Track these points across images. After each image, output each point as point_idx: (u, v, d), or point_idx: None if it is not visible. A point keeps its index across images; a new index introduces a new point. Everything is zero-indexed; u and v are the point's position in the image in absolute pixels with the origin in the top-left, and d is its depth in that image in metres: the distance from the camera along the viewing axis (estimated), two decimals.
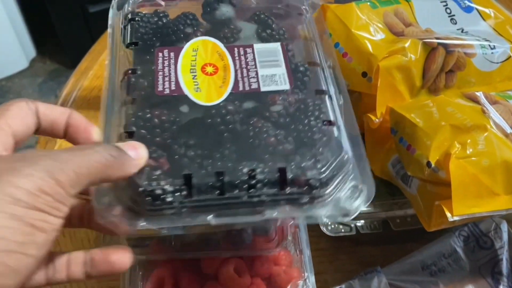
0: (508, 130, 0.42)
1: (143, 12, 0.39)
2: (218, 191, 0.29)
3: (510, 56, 0.52)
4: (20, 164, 0.25)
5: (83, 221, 0.32)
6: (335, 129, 0.33)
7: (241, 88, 0.34)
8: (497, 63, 0.52)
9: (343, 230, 0.45)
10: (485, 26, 0.55)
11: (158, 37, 0.38)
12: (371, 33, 0.47)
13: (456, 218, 0.37)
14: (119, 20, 0.39)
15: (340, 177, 0.31)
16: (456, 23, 0.54)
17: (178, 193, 0.29)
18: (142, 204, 0.29)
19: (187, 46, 0.37)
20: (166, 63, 0.36)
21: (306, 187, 0.30)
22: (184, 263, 0.40)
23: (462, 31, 0.54)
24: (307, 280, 0.40)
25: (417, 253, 0.50)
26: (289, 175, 0.30)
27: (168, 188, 0.29)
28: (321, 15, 0.50)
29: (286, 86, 0.35)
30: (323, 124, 0.33)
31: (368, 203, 0.30)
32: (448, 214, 0.38)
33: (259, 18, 0.39)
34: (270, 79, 0.35)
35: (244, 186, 0.29)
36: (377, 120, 0.46)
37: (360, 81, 0.46)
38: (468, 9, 0.56)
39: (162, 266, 0.40)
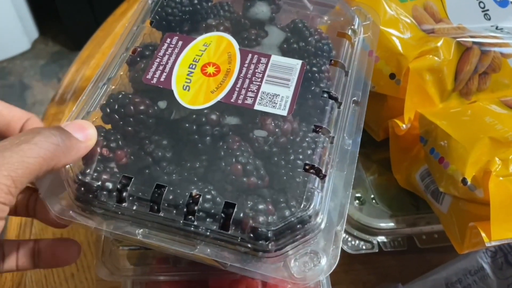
0: None
1: None
2: (152, 207, 0.26)
3: None
4: None
5: (29, 210, 0.31)
6: (318, 181, 0.28)
7: (233, 100, 0.30)
8: None
9: (364, 248, 0.41)
10: None
11: (180, 21, 0.34)
12: (400, 30, 0.43)
13: (494, 243, 0.34)
14: None
15: (297, 237, 0.26)
16: (490, 19, 0.50)
17: (114, 192, 0.27)
18: (76, 195, 0.27)
19: (200, 39, 0.33)
20: (170, 50, 0.32)
21: (252, 234, 0.25)
22: (190, 285, 0.37)
23: (496, 28, 0.49)
24: None
25: (441, 269, 0.46)
26: (237, 215, 0.26)
27: (106, 184, 0.27)
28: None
29: (283, 111, 0.30)
30: (305, 168, 0.28)
31: (322, 276, 0.26)
32: (485, 237, 0.34)
33: (295, 26, 0.34)
34: (270, 99, 0.30)
35: (184, 210, 0.26)
36: (404, 126, 0.42)
37: (387, 83, 0.42)
38: (504, 3, 0.52)
39: (165, 286, 0.37)
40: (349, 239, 0.41)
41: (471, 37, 0.44)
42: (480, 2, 0.51)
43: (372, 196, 0.43)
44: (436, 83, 0.43)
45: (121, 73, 0.33)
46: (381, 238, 0.41)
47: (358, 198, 0.43)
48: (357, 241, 0.41)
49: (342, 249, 0.52)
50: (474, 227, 0.35)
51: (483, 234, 0.34)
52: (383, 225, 0.41)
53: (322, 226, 0.27)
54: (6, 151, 0.24)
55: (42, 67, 1.76)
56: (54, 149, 0.25)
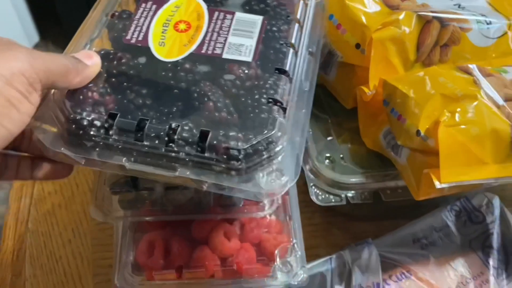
0: (500, 102, 0.42)
1: None
2: (137, 137, 0.30)
3: (506, 32, 0.52)
4: (5, 47, 0.28)
5: (20, 172, 0.35)
6: (280, 110, 0.32)
7: (203, 51, 0.35)
8: (493, 38, 0.51)
9: (333, 200, 0.45)
10: (482, 2, 0.55)
11: None
12: (365, 5, 0.47)
13: (444, 185, 0.38)
14: None
15: (265, 156, 0.30)
16: None
17: (103, 129, 0.31)
18: (67, 130, 0.31)
19: (171, 2, 0.38)
20: (145, 13, 0.37)
21: (225, 156, 0.30)
22: (175, 228, 0.41)
23: (459, 7, 0.53)
24: (295, 245, 0.40)
25: (409, 226, 0.50)
26: (211, 140, 0.30)
27: (95, 121, 0.31)
28: None
29: (248, 58, 0.35)
30: (268, 102, 0.32)
31: (285, 189, 0.30)
32: (436, 182, 0.38)
33: None
34: (236, 48, 0.35)
35: (165, 139, 0.30)
36: (369, 92, 0.46)
37: (354, 53, 0.46)
38: None
39: (154, 230, 0.41)
40: (320, 193, 0.45)
41: (432, 12, 0.48)
42: None
43: (342, 155, 0.47)
44: (398, 53, 0.47)
45: (102, 35, 0.37)
46: (349, 193, 0.45)
47: (328, 157, 0.47)
48: (327, 195, 0.45)
49: (321, 215, 0.56)
50: (427, 173, 0.39)
51: (434, 180, 0.38)
52: (352, 180, 0.45)
53: (285, 148, 0.31)
54: (42, 53, 0.29)
55: None
56: (72, 66, 0.31)
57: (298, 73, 0.36)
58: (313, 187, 0.46)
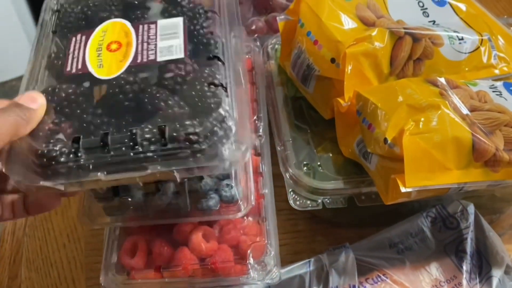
0: (465, 112, 0.44)
1: (69, 4, 0.44)
2: (103, 150, 0.33)
3: (479, 47, 0.55)
4: None
5: (16, 212, 0.38)
6: (221, 90, 0.36)
7: (139, 60, 0.38)
8: (466, 53, 0.54)
9: (310, 205, 0.47)
10: (456, 20, 0.58)
11: (78, 24, 0.42)
12: (341, 23, 0.50)
13: (408, 189, 0.40)
14: (49, 12, 0.44)
15: (221, 133, 0.34)
16: (428, 16, 0.57)
17: (71, 154, 0.33)
18: (40, 165, 0.33)
19: (98, 29, 0.41)
20: (78, 45, 0.40)
21: (187, 142, 0.33)
22: (158, 230, 0.43)
23: (433, 23, 0.56)
24: (268, 246, 0.42)
25: (385, 231, 0.52)
26: (170, 133, 0.33)
27: (62, 149, 0.33)
28: (297, 6, 0.53)
29: (181, 55, 0.38)
30: (210, 87, 0.36)
31: (248, 155, 0.34)
32: (401, 187, 0.40)
33: None
34: (167, 49, 0.39)
35: (129, 145, 0.33)
36: (345, 104, 0.49)
37: (329, 67, 0.49)
38: (441, 3, 0.59)
39: (137, 233, 0.43)
40: (298, 198, 0.48)
41: (405, 28, 0.51)
42: (419, 2, 0.58)
43: (319, 163, 0.50)
44: (372, 67, 0.50)
45: (45, 75, 0.39)
46: (325, 198, 0.48)
47: (306, 165, 0.50)
48: (304, 200, 0.47)
49: (306, 223, 0.59)
50: (394, 178, 0.41)
51: (400, 184, 0.40)
52: (329, 186, 0.48)
53: (236, 121, 0.35)
54: None
55: None
56: (21, 119, 0.32)
57: (228, 55, 0.39)
58: (292, 193, 0.48)
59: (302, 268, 0.49)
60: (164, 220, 0.42)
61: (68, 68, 0.38)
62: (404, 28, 0.51)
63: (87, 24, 0.42)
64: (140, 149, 0.33)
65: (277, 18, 0.56)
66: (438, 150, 0.41)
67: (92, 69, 0.38)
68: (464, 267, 0.49)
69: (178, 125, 0.33)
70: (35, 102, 0.34)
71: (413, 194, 0.42)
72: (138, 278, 0.40)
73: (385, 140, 0.42)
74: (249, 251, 0.41)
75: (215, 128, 0.34)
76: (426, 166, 0.41)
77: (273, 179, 0.49)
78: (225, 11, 0.44)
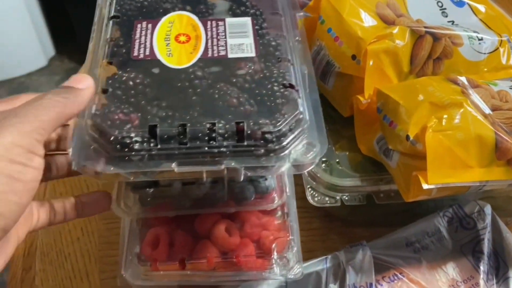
0: (487, 111, 0.44)
1: None
2: (180, 141, 0.33)
3: (498, 48, 0.55)
4: None
5: (67, 214, 0.38)
6: (294, 92, 0.36)
7: (209, 55, 0.38)
8: (485, 53, 0.54)
9: (328, 202, 0.47)
10: (475, 21, 0.58)
11: (139, 12, 0.42)
12: (362, 20, 0.50)
13: (431, 186, 0.40)
14: None
15: (295, 134, 0.34)
16: (447, 16, 0.57)
17: (145, 142, 0.33)
18: (112, 151, 0.33)
19: (164, 19, 0.41)
20: (144, 32, 0.40)
21: (262, 140, 0.33)
22: (178, 224, 0.43)
23: (452, 23, 0.56)
24: (292, 241, 0.42)
25: (402, 230, 0.52)
26: (247, 130, 0.33)
27: (136, 137, 0.33)
28: (317, 3, 0.53)
29: (252, 53, 0.38)
30: (283, 87, 0.36)
31: (318, 158, 0.34)
32: (424, 184, 0.40)
33: None
34: (238, 47, 0.39)
35: (205, 138, 0.33)
36: (365, 101, 0.49)
37: (350, 64, 0.49)
38: (460, 4, 0.59)
39: (158, 225, 0.43)
40: (316, 195, 0.48)
41: (425, 27, 0.51)
42: (438, 2, 0.58)
43: (337, 160, 0.50)
44: (392, 65, 0.50)
45: (104, 59, 0.39)
46: (344, 195, 0.48)
47: (324, 162, 0.50)
48: (322, 197, 0.47)
49: (320, 221, 0.58)
50: (416, 175, 0.41)
51: (422, 181, 0.40)
52: (347, 183, 0.48)
53: (309, 124, 0.35)
54: (29, 105, 0.30)
55: (58, 82, 1.86)
56: (65, 100, 0.31)
57: (295, 58, 0.39)
58: (310, 189, 0.48)
59: (318, 264, 0.49)
60: (199, 210, 0.42)
61: (135, 53, 0.38)
62: (425, 27, 0.51)
63: (149, 13, 0.41)
64: (216, 144, 0.33)
65: (297, 15, 0.56)
66: (461, 148, 0.41)
67: (161, 56, 0.38)
68: (481, 268, 0.49)
69: (252, 123, 0.33)
70: (81, 82, 0.33)
71: (434, 192, 0.42)
72: (161, 270, 0.40)
73: (407, 137, 0.42)
74: (273, 245, 0.41)
75: (290, 129, 0.34)
76: (448, 163, 0.41)
77: None
78: (288, 13, 0.44)
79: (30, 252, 0.58)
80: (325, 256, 0.50)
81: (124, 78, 0.36)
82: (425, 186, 0.40)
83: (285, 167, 0.34)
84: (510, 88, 0.50)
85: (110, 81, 0.37)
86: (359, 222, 0.58)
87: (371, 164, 0.50)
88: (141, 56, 0.38)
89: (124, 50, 0.39)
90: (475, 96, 0.45)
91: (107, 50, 0.39)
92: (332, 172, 0.49)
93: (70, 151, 0.33)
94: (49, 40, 1.89)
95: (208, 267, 0.41)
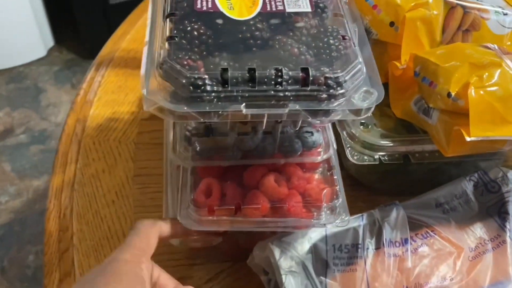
0: None
1: None
2: (250, 84, 0.35)
3: None
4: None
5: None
6: (350, 44, 0.39)
7: (268, 9, 0.41)
8: (509, 28, 0.57)
9: (367, 160, 0.49)
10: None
11: None
12: None
13: (473, 138, 0.42)
14: None
15: (354, 82, 0.37)
16: None
17: (216, 85, 0.35)
18: (185, 92, 0.35)
19: None
20: None
21: (325, 86, 0.36)
22: (227, 176, 0.45)
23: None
24: (338, 192, 0.44)
25: (431, 192, 0.54)
26: (310, 76, 0.36)
27: (207, 80, 0.35)
28: None
29: (308, 9, 0.41)
30: (340, 39, 0.39)
31: (376, 104, 0.37)
32: (466, 137, 0.43)
33: None
34: (294, 3, 0.41)
35: (271, 82, 0.35)
36: (401, 66, 0.51)
37: (388, 31, 0.52)
38: None
39: (209, 176, 0.45)
40: (355, 153, 0.50)
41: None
42: None
43: (374, 122, 0.52)
44: (427, 33, 0.52)
45: (167, 12, 0.40)
46: (381, 154, 0.50)
47: (362, 123, 0.52)
48: (361, 155, 0.50)
49: (347, 190, 0.60)
50: (458, 130, 0.44)
51: (464, 134, 0.43)
52: (383, 142, 0.50)
53: (365, 74, 0.38)
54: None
55: (56, 72, 1.85)
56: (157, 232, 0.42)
57: (345, 15, 0.42)
58: (349, 148, 0.50)
59: (355, 221, 0.51)
60: (250, 160, 0.44)
61: (199, 6, 0.40)
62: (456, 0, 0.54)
63: None
64: (282, 88, 0.35)
65: None
66: (501, 104, 0.43)
67: (222, 9, 0.40)
68: (508, 226, 0.52)
69: (314, 70, 0.36)
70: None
71: (472, 146, 0.44)
72: (216, 214, 0.42)
73: (449, 94, 0.44)
74: (323, 193, 0.43)
75: (351, 75, 0.36)
76: (488, 118, 0.43)
77: None
78: None
79: (66, 214, 0.59)
80: (361, 214, 0.52)
81: (189, 28, 0.38)
82: (468, 139, 0.42)
83: (344, 112, 0.36)
84: None
85: (175, 31, 0.39)
86: (385, 190, 0.60)
87: (403, 128, 0.53)
88: (204, 8, 0.40)
89: (185, 4, 0.41)
90: (507, 61, 0.48)
91: (169, 4, 0.41)
92: (368, 132, 0.52)
93: (144, 91, 0.35)
94: (48, 31, 1.88)
95: (260, 214, 0.43)
